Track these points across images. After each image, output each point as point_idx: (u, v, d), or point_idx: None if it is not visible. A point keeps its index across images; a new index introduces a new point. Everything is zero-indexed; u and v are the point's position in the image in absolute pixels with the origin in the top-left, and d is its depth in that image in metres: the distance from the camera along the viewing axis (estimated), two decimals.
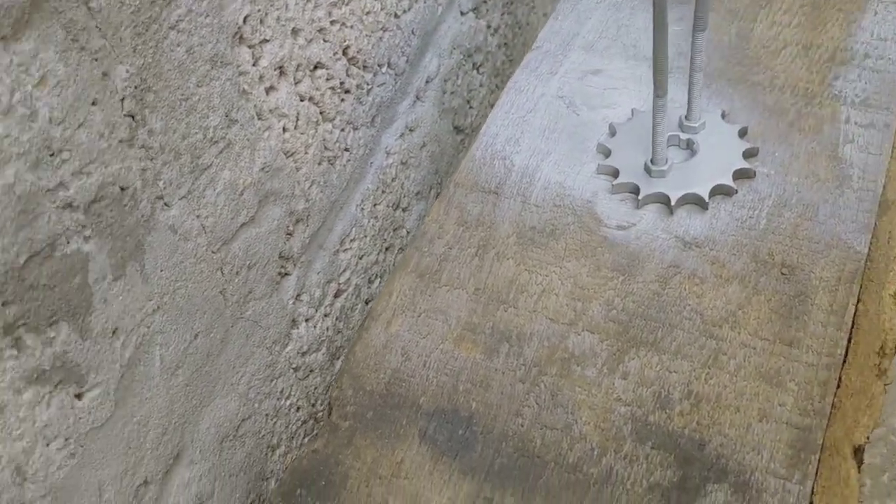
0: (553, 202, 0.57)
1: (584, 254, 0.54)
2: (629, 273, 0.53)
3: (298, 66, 0.59)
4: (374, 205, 0.72)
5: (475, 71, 0.90)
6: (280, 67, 0.57)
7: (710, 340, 0.49)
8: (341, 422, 0.50)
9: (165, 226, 0.48)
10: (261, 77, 0.55)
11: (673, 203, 0.55)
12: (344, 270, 0.69)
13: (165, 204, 0.48)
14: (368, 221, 0.72)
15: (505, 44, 0.96)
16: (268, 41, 0.55)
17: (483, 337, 0.51)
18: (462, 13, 0.84)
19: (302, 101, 0.60)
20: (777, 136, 0.58)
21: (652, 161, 0.56)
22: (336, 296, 0.68)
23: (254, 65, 0.54)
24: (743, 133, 0.58)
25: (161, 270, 0.49)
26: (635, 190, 0.56)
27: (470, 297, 0.53)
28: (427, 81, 0.79)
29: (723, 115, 0.59)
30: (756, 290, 0.51)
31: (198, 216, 0.51)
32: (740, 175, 0.56)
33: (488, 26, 0.90)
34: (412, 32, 0.74)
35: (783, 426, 0.45)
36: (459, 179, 0.60)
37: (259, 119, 0.55)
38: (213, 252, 0.53)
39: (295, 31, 0.57)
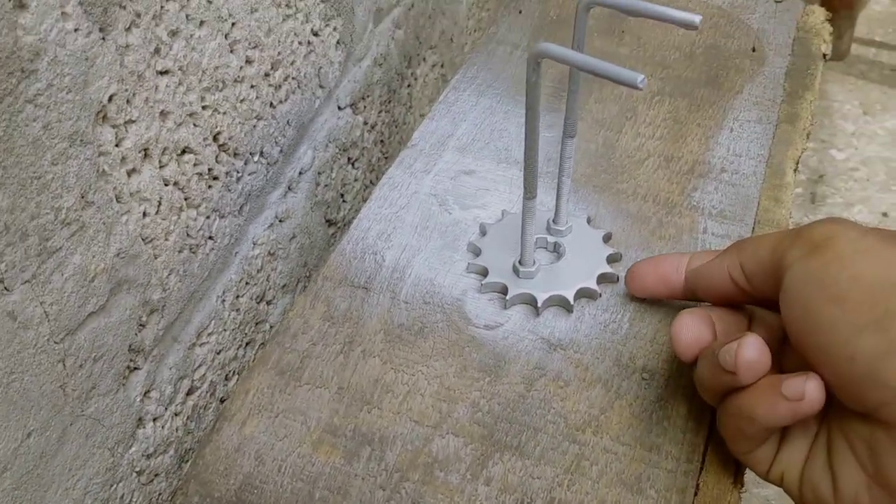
0: (423, 299, 0.57)
1: (451, 353, 0.54)
2: (495, 374, 0.52)
3: (165, 149, 0.56)
4: (237, 297, 0.70)
5: (350, 165, 0.90)
6: (145, 150, 0.54)
7: (573, 445, 0.49)
8: None
9: (3, 312, 0.45)
10: (123, 158, 0.52)
11: (539, 304, 0.55)
12: (199, 366, 0.66)
13: (6, 288, 0.45)
14: (229, 314, 0.69)
15: (381, 141, 0.97)
16: (133, 122, 0.53)
17: (344, 440, 0.49)
18: (340, 108, 0.84)
19: (166, 185, 0.58)
20: (639, 242, 0.60)
21: (520, 262, 0.56)
22: (189, 393, 0.64)
23: (116, 145, 0.52)
24: (607, 238, 0.59)
25: None
26: (503, 290, 0.56)
27: (332, 396, 0.51)
28: (300, 173, 0.78)
29: (588, 221, 0.60)
30: (618, 395, 0.51)
31: (41, 303, 0.48)
32: (604, 279, 0.57)
33: (365, 122, 0.91)
34: (288, 123, 0.73)
35: None
36: (328, 273, 0.59)
37: (118, 202, 0.53)
38: (55, 342, 0.49)
39: (164, 114, 0.56)
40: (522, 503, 0.46)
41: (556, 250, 0.59)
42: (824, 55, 0.80)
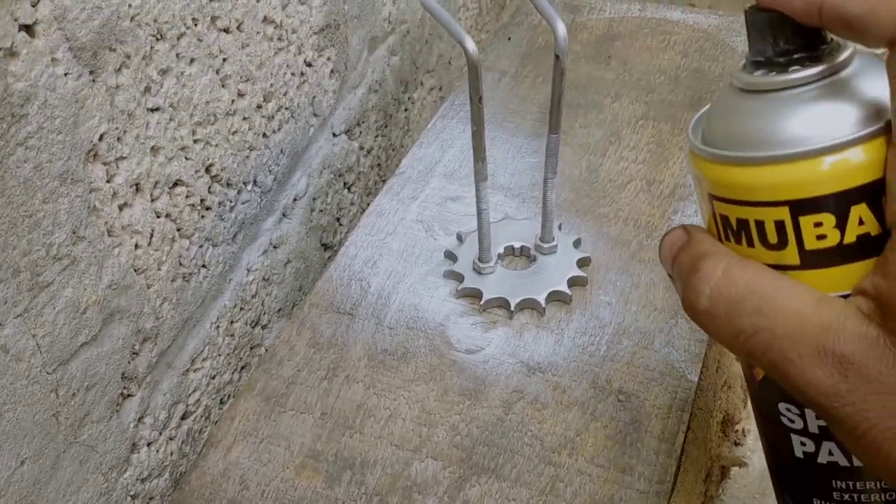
0: (406, 324, 0.58)
1: (433, 377, 0.55)
2: (475, 398, 0.54)
3: (156, 183, 0.58)
4: (231, 322, 0.71)
5: (346, 190, 0.91)
6: (136, 184, 0.56)
7: (548, 467, 0.50)
8: None
9: None
10: (114, 194, 0.54)
11: (513, 307, 0.57)
12: (193, 391, 0.67)
13: None
14: (223, 339, 0.71)
15: (378, 164, 0.99)
16: (124, 158, 0.55)
17: (325, 465, 0.51)
18: (334, 134, 0.86)
19: (158, 217, 0.60)
20: (619, 266, 0.61)
21: (479, 259, 0.58)
22: (183, 417, 0.66)
23: (107, 181, 0.54)
24: (577, 244, 0.62)
25: None
26: (479, 294, 0.58)
27: (316, 422, 0.53)
28: (295, 199, 0.80)
29: (576, 244, 0.62)
30: (594, 417, 0.52)
31: (33, 335, 0.49)
32: (574, 282, 0.59)
33: (361, 147, 0.93)
34: (281, 152, 0.75)
35: None
36: (314, 300, 0.60)
37: (109, 236, 0.55)
38: (48, 373, 0.51)
39: (155, 150, 0.58)
40: None
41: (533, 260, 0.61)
42: None
